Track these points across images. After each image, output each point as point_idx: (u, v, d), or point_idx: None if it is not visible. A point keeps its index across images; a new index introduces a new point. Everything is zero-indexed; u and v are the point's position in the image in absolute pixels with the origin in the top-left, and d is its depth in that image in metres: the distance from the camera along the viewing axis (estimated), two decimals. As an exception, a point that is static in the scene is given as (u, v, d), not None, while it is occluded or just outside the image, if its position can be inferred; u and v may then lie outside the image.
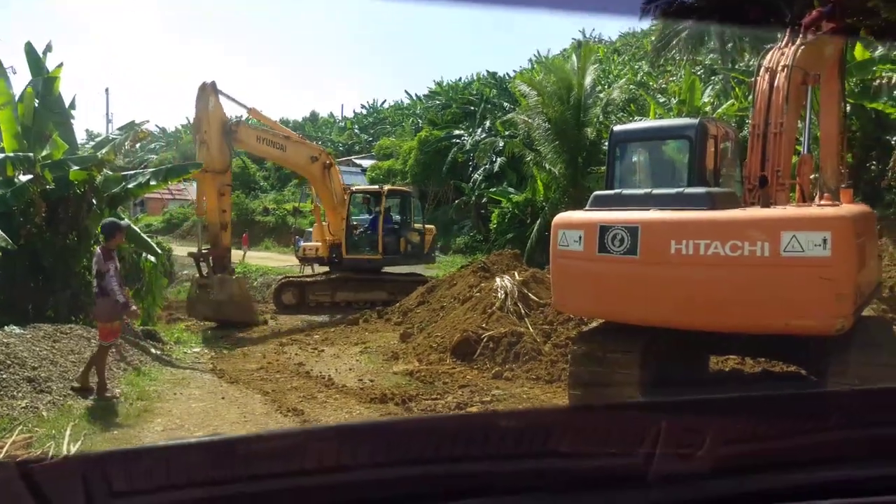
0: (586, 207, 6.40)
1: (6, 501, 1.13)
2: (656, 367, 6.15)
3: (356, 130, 55.83)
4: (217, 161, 13.10)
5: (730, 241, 5.26)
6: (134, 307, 8.36)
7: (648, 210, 5.81)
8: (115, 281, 7.62)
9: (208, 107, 12.94)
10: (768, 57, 7.00)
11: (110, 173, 11.58)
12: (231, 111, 13.99)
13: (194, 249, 13.85)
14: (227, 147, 13.33)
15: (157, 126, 64.08)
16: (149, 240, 12.26)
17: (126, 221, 9.79)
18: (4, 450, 5.36)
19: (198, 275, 13.45)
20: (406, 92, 54.53)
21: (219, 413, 7.30)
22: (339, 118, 63.10)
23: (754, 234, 5.22)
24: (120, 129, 13.40)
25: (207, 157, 12.97)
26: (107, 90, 70.80)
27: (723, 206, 5.75)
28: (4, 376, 7.06)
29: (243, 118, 14.57)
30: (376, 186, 19.53)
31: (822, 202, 5.69)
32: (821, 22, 7.31)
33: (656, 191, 6.20)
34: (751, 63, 8.08)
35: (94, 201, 10.90)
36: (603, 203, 6.29)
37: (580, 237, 5.96)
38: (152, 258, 11.82)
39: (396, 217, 17.22)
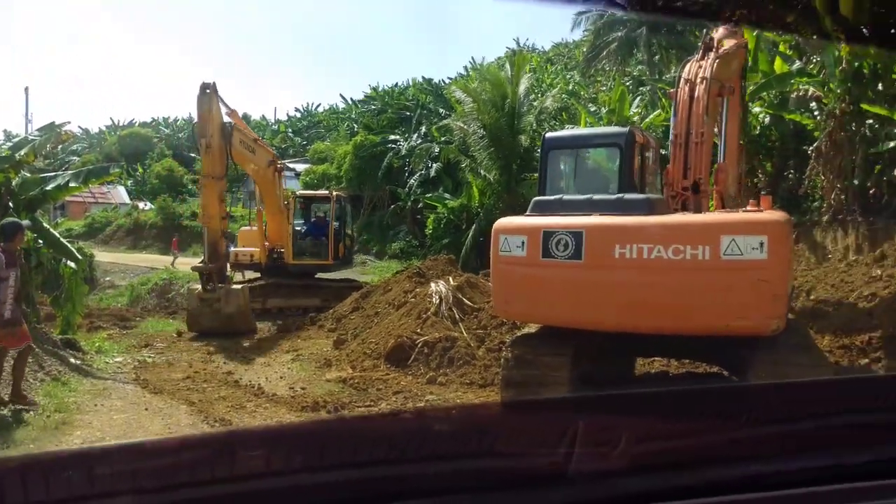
0: (527, 213, 6.45)
1: None
2: (585, 369, 6.26)
3: (290, 134, 55.07)
4: (219, 166, 12.48)
5: (672, 244, 5.40)
6: (17, 329, 7.30)
7: (590, 215, 5.90)
8: (11, 291, 7.08)
9: (213, 109, 12.30)
10: (686, 69, 7.28)
11: (28, 175, 11.05)
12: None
13: (198, 263, 13.12)
14: (226, 151, 12.65)
15: (79, 127, 61.48)
16: (69, 245, 11.71)
17: (27, 222, 9.21)
18: None
19: (200, 288, 12.73)
20: (341, 96, 54.43)
21: (142, 425, 7.02)
22: (273, 121, 62.07)
23: (696, 238, 5.38)
24: (40, 129, 12.77)
25: (211, 162, 12.38)
26: (26, 89, 67.45)
27: (659, 211, 5.91)
28: None
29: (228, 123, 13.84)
30: (325, 191, 19.37)
31: (752, 208, 5.91)
32: (729, 35, 7.69)
33: (597, 196, 6.32)
34: (675, 75, 8.42)
35: (10, 204, 10.36)
36: (544, 208, 6.34)
37: (523, 242, 5.99)
38: (72, 264, 11.29)
39: (335, 223, 17.15)
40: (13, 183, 10.39)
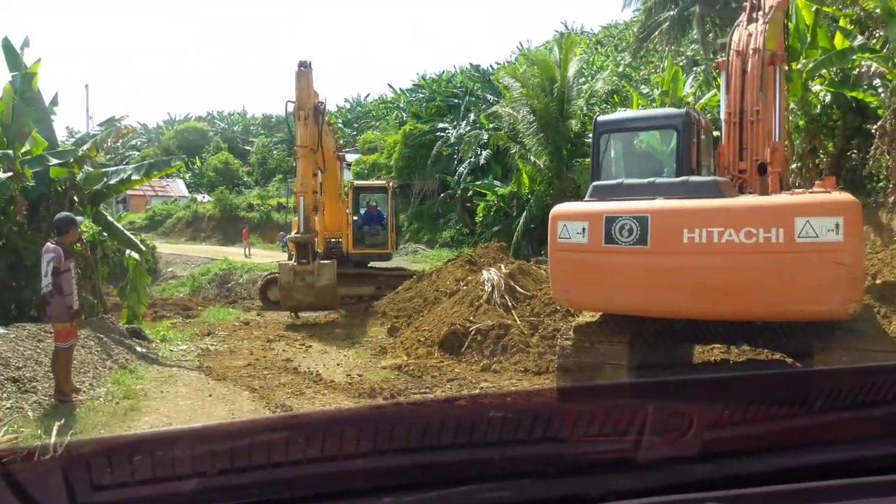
0: (586, 198, 6.26)
1: None
2: (643, 356, 6.16)
3: (340, 125, 55.57)
4: (313, 139, 12.75)
5: (744, 228, 5.22)
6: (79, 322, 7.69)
7: (655, 199, 5.71)
8: (72, 282, 7.31)
9: (311, 84, 12.74)
10: (735, 37, 6.86)
11: (91, 170, 11.44)
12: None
13: (294, 234, 13.04)
14: (318, 128, 12.94)
15: (138, 122, 63.44)
16: (132, 237, 12.13)
17: (80, 218, 9.54)
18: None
19: (293, 262, 12.82)
20: (389, 85, 54.38)
21: (206, 410, 7.24)
22: (323, 112, 62.66)
23: (769, 220, 5.21)
24: (100, 125, 13.23)
25: (306, 133, 12.66)
26: (86, 87, 69.77)
27: (728, 194, 5.72)
28: (-11, 377, 6.97)
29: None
30: (382, 182, 19.60)
31: (818, 189, 5.67)
32: None
33: (660, 180, 6.13)
34: (723, 41, 7.99)
35: (75, 198, 10.77)
36: (604, 193, 6.11)
37: (584, 228, 5.81)
38: (136, 256, 11.70)
39: (386, 212, 17.39)
40: (77, 177, 10.79)
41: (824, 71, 11.70)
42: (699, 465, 1.31)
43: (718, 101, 15.75)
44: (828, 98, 12.20)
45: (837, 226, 5.01)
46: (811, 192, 5.83)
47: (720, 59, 7.12)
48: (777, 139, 7.06)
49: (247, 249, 30.65)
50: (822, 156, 12.25)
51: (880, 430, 1.41)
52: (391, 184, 17.67)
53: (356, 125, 53.39)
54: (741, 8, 7.60)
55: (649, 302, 5.75)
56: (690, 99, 18.00)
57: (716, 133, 8.33)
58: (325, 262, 12.93)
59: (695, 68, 23.33)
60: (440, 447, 1.37)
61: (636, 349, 6.05)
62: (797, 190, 6.53)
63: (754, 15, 6.95)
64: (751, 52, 6.60)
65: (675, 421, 1.40)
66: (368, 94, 60.77)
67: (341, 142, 48.77)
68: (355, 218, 16.88)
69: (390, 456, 1.34)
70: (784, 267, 5.19)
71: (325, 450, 1.35)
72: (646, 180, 6.19)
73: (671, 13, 25.29)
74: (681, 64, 22.70)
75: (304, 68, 12.77)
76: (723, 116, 6.88)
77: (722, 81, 7.04)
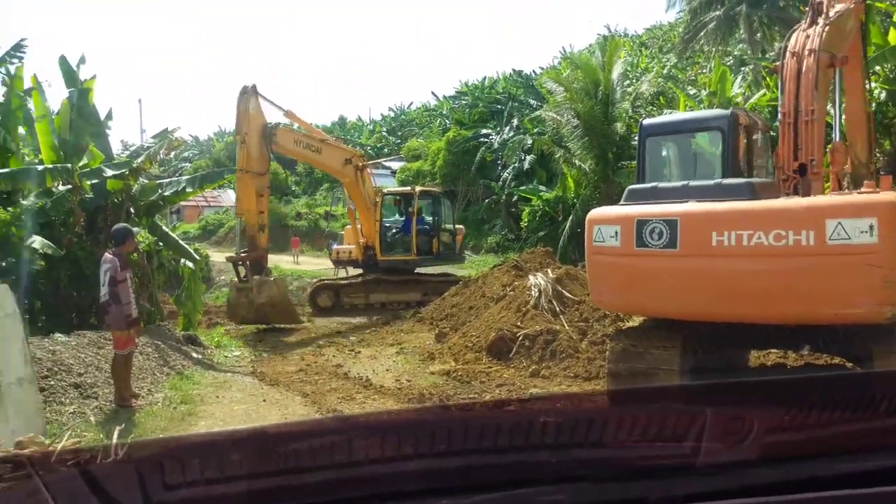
0: (621, 202, 6.33)
1: (66, 499, 1.18)
2: (696, 361, 6.07)
3: (384, 133, 56.13)
4: (256, 163, 13.21)
5: (773, 230, 5.16)
6: (137, 330, 7.98)
7: (686, 202, 5.73)
8: (131, 291, 7.56)
9: (249, 108, 13.14)
10: (793, 40, 6.81)
11: (146, 182, 11.82)
12: (271, 115, 14.21)
13: (232, 254, 13.95)
14: (266, 150, 13.48)
15: (189, 134, 65.23)
16: (186, 246, 12.48)
17: (137, 229, 9.87)
18: (55, 455, 5.53)
19: (236, 278, 13.47)
20: (432, 93, 54.65)
21: (260, 415, 7.40)
22: (368, 121, 63.47)
23: (798, 223, 5.13)
24: (153, 137, 13.68)
25: (246, 157, 13.09)
26: (140, 101, 72.40)
27: (763, 195, 5.65)
28: (52, 383, 7.24)
29: (281, 124, 14.67)
30: (408, 188, 19.64)
31: (865, 189, 5.56)
32: None
33: (694, 183, 6.11)
34: (781, 46, 7.87)
35: (131, 210, 11.14)
36: (638, 197, 6.20)
37: (616, 232, 5.90)
38: (191, 264, 12.03)
39: (428, 218, 17.31)
40: (133, 189, 11.15)
41: (878, 67, 11.35)
42: (760, 469, 1.30)
43: (768, 99, 15.49)
44: (883, 95, 11.82)
45: (871, 227, 4.87)
46: (846, 194, 5.69)
47: (776, 64, 7.03)
48: (837, 139, 6.92)
49: (296, 257, 31.30)
50: (878, 154, 11.86)
51: None
52: (417, 189, 17.44)
53: (400, 133, 53.80)
54: (803, 12, 7.49)
55: (680, 305, 5.75)
56: (739, 99, 17.64)
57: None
58: (266, 279, 13.01)
59: (743, 68, 22.84)
60: (492, 450, 1.38)
61: (689, 353, 5.97)
62: (843, 191, 6.38)
63: (817, 20, 6.83)
64: (806, 53, 6.50)
65: (735, 425, 1.39)
66: (412, 103, 61.33)
67: (385, 150, 49.38)
68: (387, 225, 16.92)
69: (441, 458, 1.36)
70: (815, 270, 5.08)
71: (381, 451, 1.38)
72: (679, 183, 6.22)
73: (717, 13, 24.81)
74: (728, 64, 22.27)
75: (245, 94, 13.20)
76: (779, 117, 6.80)
77: (778, 83, 6.95)
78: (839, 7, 7.01)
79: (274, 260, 23.58)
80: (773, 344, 7.27)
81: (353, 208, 16.85)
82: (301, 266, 26.79)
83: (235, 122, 13.42)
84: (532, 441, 1.42)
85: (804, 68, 6.49)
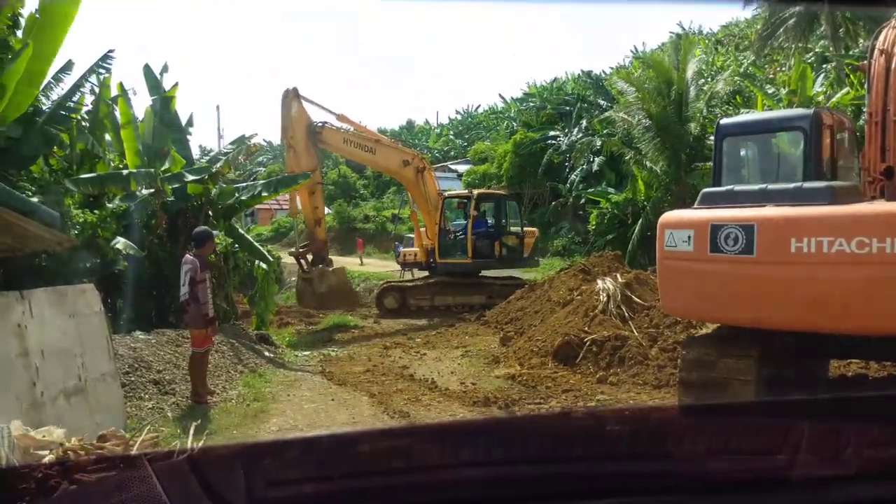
0: (695, 205, 6.16)
1: (174, 488, 1.23)
2: (772, 372, 5.84)
3: (451, 136, 56.36)
4: (304, 162, 13.86)
5: (856, 237, 4.93)
6: (214, 328, 8.32)
7: (764, 206, 5.53)
8: (209, 291, 7.82)
9: (291, 111, 13.68)
10: (881, 37, 6.52)
11: (224, 186, 12.25)
12: (319, 117, 14.72)
13: (293, 249, 15.07)
14: (314, 148, 14.12)
15: (264, 140, 67.09)
16: (261, 248, 12.86)
17: (216, 231, 10.23)
18: (135, 448, 5.78)
19: (300, 270, 14.51)
20: (500, 95, 54.62)
21: (329, 414, 7.55)
22: (435, 125, 63.87)
23: (882, 229, 4.88)
24: (231, 143, 14.16)
25: (295, 160, 13.84)
26: (217, 107, 75.15)
27: (845, 199, 5.39)
28: (132, 379, 7.58)
29: (327, 123, 14.93)
30: (466, 191, 19.67)
31: None
32: None
33: (772, 186, 5.89)
34: (866, 47, 7.47)
35: (210, 213, 11.56)
36: (713, 200, 6.02)
37: (689, 237, 5.73)
38: (264, 265, 12.39)
39: (490, 220, 17.23)
40: (212, 193, 11.57)
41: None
42: (856, 485, 1.26)
43: (851, 98, 14.78)
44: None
45: None
46: None
47: (863, 63, 6.73)
48: None
49: (361, 259, 31.99)
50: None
51: None
52: (475, 192, 17.37)
53: (467, 136, 53.90)
54: (893, 12, 7.16)
55: (756, 314, 5.54)
56: (820, 98, 16.90)
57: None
58: (326, 269, 14.24)
59: (825, 65, 21.85)
60: (558, 459, 1.37)
61: (765, 364, 5.75)
62: None
63: None
64: (895, 49, 6.19)
65: (831, 439, 1.35)
66: (479, 106, 61.30)
67: (452, 153, 49.58)
68: (450, 228, 16.97)
69: (506, 467, 1.35)
70: None
71: (447, 458, 1.39)
72: (756, 187, 5.99)
73: (798, 8, 23.79)
74: (809, 61, 21.34)
75: (285, 99, 13.68)
76: (865, 117, 6.50)
77: (865, 82, 6.65)
78: None
79: (339, 262, 24.11)
80: (855, 355, 6.94)
81: (416, 211, 17.00)
82: (367, 268, 27.22)
83: (281, 128, 13.99)
84: (602, 451, 1.40)
85: (893, 66, 6.19)
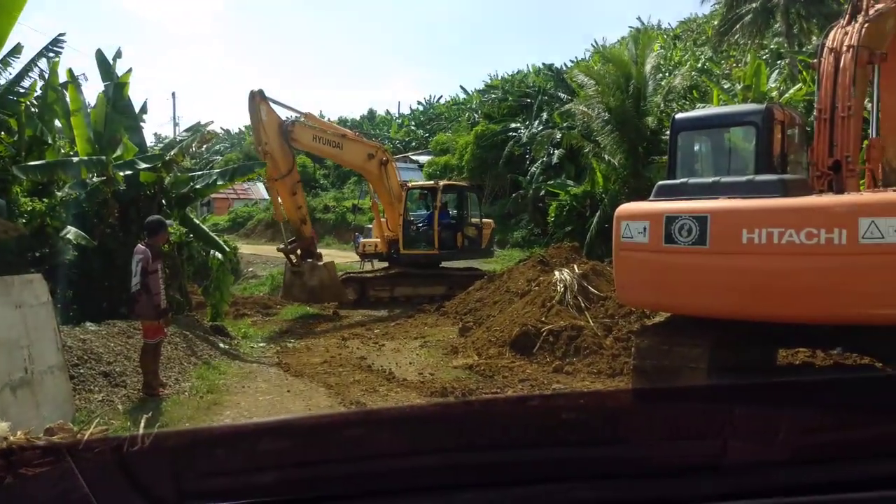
0: (651, 198, 6.27)
1: (99, 485, 1.19)
2: (723, 359, 5.99)
3: (413, 127, 56.16)
4: (282, 164, 13.62)
5: (805, 228, 5.07)
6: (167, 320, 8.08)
7: (717, 199, 5.65)
8: (161, 282, 7.67)
9: (262, 115, 13.32)
10: (831, 36, 6.73)
11: (178, 174, 11.98)
12: (285, 115, 14.36)
13: (281, 245, 14.83)
14: (288, 147, 13.79)
15: (221, 127, 65.93)
16: (216, 238, 12.64)
17: (169, 220, 10.02)
18: (84, 442, 5.64)
19: (289, 263, 14.36)
20: (461, 87, 54.62)
21: (285, 406, 7.48)
22: (397, 115, 63.59)
23: (830, 221, 5.02)
24: (186, 130, 13.87)
25: (273, 165, 13.49)
26: (173, 94, 73.28)
27: (795, 192, 5.55)
28: (82, 371, 7.39)
29: (298, 119, 14.74)
30: (432, 182, 19.61)
31: None
32: None
33: (725, 179, 6.03)
34: (818, 45, 7.68)
35: (163, 202, 11.30)
36: (668, 193, 6.14)
37: (645, 228, 5.84)
38: (220, 256, 12.19)
39: (453, 212, 17.26)
40: (166, 181, 11.31)
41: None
42: (788, 470, 1.28)
43: (804, 94, 15.17)
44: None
45: None
46: (880, 191, 5.57)
47: (814, 61, 6.92)
48: (875, 135, 6.79)
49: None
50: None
51: None
52: (441, 183, 17.39)
53: (429, 127, 53.77)
54: (842, 4, 7.39)
55: (708, 303, 5.70)
56: (774, 94, 17.31)
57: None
58: (317, 263, 14.18)
59: (779, 62, 22.39)
60: (514, 445, 1.37)
61: (716, 352, 5.89)
62: (878, 189, 6.24)
63: (856, 17, 6.71)
64: (844, 49, 6.40)
65: (762, 425, 1.37)
66: (441, 97, 61.20)
67: (413, 144, 49.44)
68: (411, 219, 16.96)
69: (462, 454, 1.35)
70: (847, 269, 4.98)
71: (402, 445, 1.37)
72: (710, 179, 6.16)
73: (754, 5, 24.29)
74: (764, 57, 21.83)
75: (252, 102, 13.18)
76: (815, 113, 6.69)
77: (815, 80, 6.84)
78: (879, 6, 6.86)
79: (275, 251, 23.86)
80: (803, 343, 7.16)
81: (377, 202, 16.91)
82: (326, 258, 26.92)
83: (253, 133, 13.84)
84: (554, 437, 1.40)
85: (842, 65, 6.39)
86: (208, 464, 1.28)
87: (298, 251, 14.32)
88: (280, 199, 14.11)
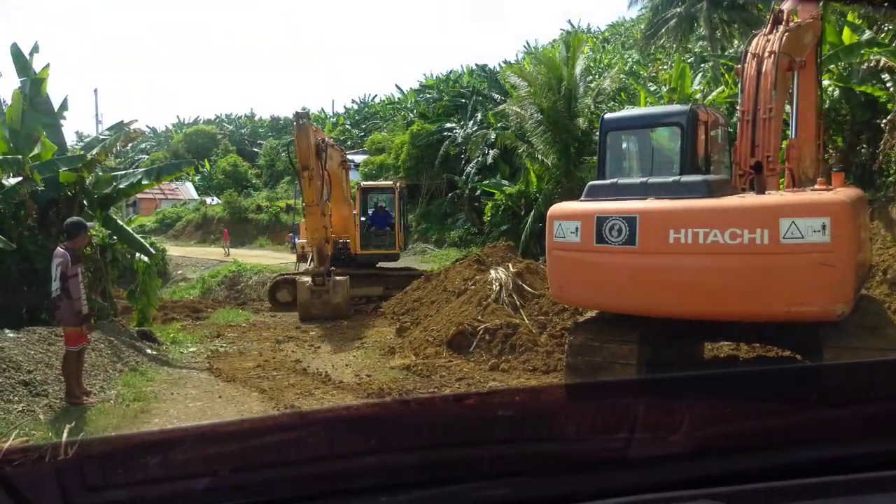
0: (582, 198, 6.39)
1: None
2: (652, 355, 6.17)
3: (348, 126, 55.67)
4: (317, 184, 12.85)
5: (729, 229, 5.27)
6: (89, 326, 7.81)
7: (646, 199, 5.80)
8: (80, 286, 7.36)
9: (310, 139, 12.50)
10: (754, 43, 7.02)
11: (101, 174, 11.53)
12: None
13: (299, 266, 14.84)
14: (322, 171, 13.18)
15: (147, 126, 63.78)
16: (142, 240, 12.20)
17: (91, 223, 9.61)
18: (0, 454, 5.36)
19: (310, 283, 13.65)
20: (397, 86, 54.26)
21: (216, 412, 7.28)
22: (331, 114, 62.87)
23: (753, 222, 5.23)
24: (109, 129, 13.32)
25: (310, 187, 12.66)
26: (95, 91, 70.65)
27: (719, 193, 5.75)
28: (0, 381, 7.02)
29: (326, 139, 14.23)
30: (390, 182, 19.74)
31: (818, 187, 5.70)
32: (800, 7, 7.39)
33: (653, 179, 6.20)
34: (740, 49, 8.10)
35: (85, 203, 10.85)
36: (599, 193, 6.28)
37: (577, 228, 5.96)
38: (146, 259, 11.77)
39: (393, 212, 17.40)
40: (87, 182, 10.86)
41: (833, 66, 11.62)
42: (691, 462, 1.31)
43: (726, 96, 15.76)
44: (836, 93, 12.11)
45: (824, 227, 5.00)
46: (803, 192, 5.83)
47: (738, 66, 7.21)
48: (794, 137, 7.11)
49: (226, 249, 31.60)
50: (831, 151, 12.14)
51: (870, 427, 1.40)
52: (399, 184, 17.66)
53: (364, 126, 53.42)
54: (761, 10, 7.75)
55: (638, 301, 5.87)
56: (698, 96, 17.92)
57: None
58: (341, 280, 13.77)
59: (703, 65, 23.22)
60: (441, 445, 1.37)
61: (645, 347, 6.06)
62: (797, 189, 6.54)
63: (777, 27, 7.03)
64: (766, 54, 6.70)
65: (666, 418, 1.40)
66: (376, 96, 60.88)
67: (348, 143, 49.01)
68: (363, 219, 16.90)
69: (396, 454, 1.35)
70: (769, 268, 5.21)
71: (333, 448, 1.35)
72: (638, 180, 6.33)
73: (678, 10, 25.14)
74: (688, 61, 22.59)
75: (303, 122, 12.49)
76: (738, 115, 6.96)
77: (738, 84, 7.13)
78: (799, 18, 7.22)
79: (205, 252, 23.27)
80: (727, 338, 7.43)
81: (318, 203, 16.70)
82: (260, 260, 26.46)
83: (300, 156, 12.48)
84: (480, 436, 1.41)
85: (764, 69, 6.67)
86: (98, 476, 1.23)
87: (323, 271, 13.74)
88: (315, 226, 13.28)
